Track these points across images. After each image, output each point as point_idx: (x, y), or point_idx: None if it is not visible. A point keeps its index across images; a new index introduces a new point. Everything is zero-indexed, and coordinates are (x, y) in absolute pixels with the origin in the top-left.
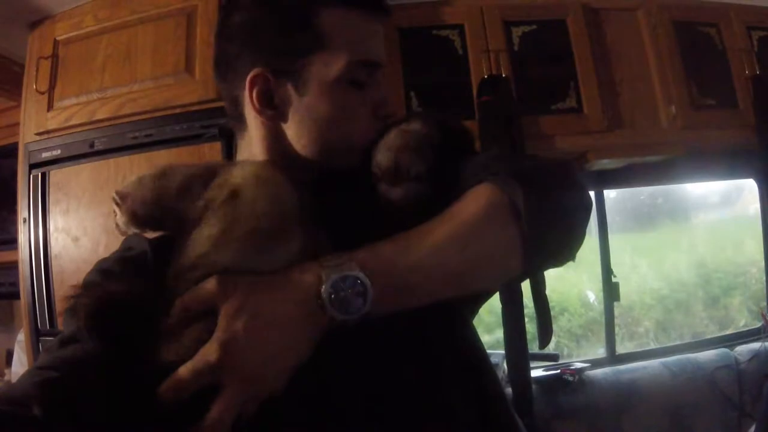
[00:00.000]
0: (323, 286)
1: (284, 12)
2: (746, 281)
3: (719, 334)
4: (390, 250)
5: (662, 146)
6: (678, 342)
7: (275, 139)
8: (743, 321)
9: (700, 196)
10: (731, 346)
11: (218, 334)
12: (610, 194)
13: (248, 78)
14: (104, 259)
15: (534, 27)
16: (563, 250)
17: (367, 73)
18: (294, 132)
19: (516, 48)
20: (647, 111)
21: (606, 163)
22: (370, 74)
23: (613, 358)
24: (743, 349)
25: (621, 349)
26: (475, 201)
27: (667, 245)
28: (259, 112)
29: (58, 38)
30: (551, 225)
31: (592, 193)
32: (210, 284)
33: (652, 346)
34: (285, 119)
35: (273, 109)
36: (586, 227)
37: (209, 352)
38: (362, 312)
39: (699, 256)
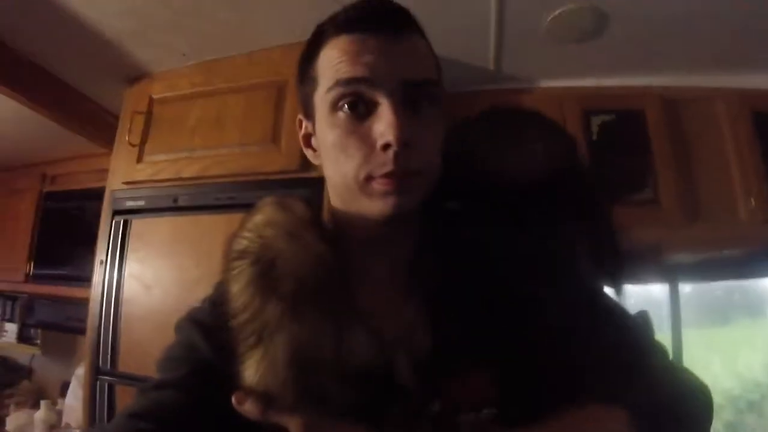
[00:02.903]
0: None
1: (303, 58)
2: None
3: None
4: None
5: (740, 240)
6: None
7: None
8: None
9: None
10: None
11: None
12: (684, 288)
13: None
14: (197, 309)
15: (612, 117)
16: None
17: (353, 92)
18: (325, 172)
19: (594, 137)
20: (726, 203)
21: (682, 257)
22: (353, 92)
23: None
24: None
25: None
26: None
27: (741, 343)
28: (305, 152)
29: (153, 96)
30: None
31: (666, 288)
32: (295, 422)
33: None
34: (320, 159)
35: (314, 150)
36: None
37: None
38: None
39: None
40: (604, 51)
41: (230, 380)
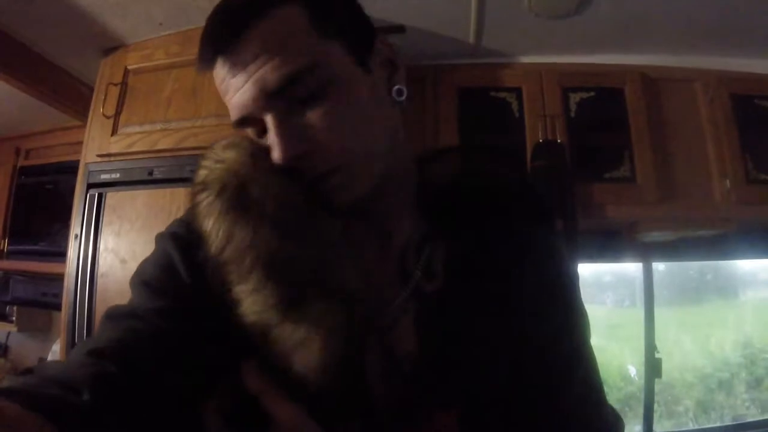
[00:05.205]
0: None
1: None
2: None
3: (761, 418)
4: None
5: (715, 221)
6: (718, 424)
7: None
8: None
9: (750, 273)
10: None
11: None
12: (658, 267)
13: None
14: (176, 228)
15: (592, 94)
16: None
17: (248, 129)
18: None
19: (572, 114)
20: (701, 184)
21: (656, 235)
22: (249, 127)
23: None
24: None
25: (658, 427)
26: None
27: (713, 322)
28: None
29: (128, 67)
30: None
31: (640, 266)
32: (285, 412)
33: (691, 426)
34: None
35: None
36: None
37: None
38: None
39: (745, 336)
40: (586, 28)
41: (207, 314)
